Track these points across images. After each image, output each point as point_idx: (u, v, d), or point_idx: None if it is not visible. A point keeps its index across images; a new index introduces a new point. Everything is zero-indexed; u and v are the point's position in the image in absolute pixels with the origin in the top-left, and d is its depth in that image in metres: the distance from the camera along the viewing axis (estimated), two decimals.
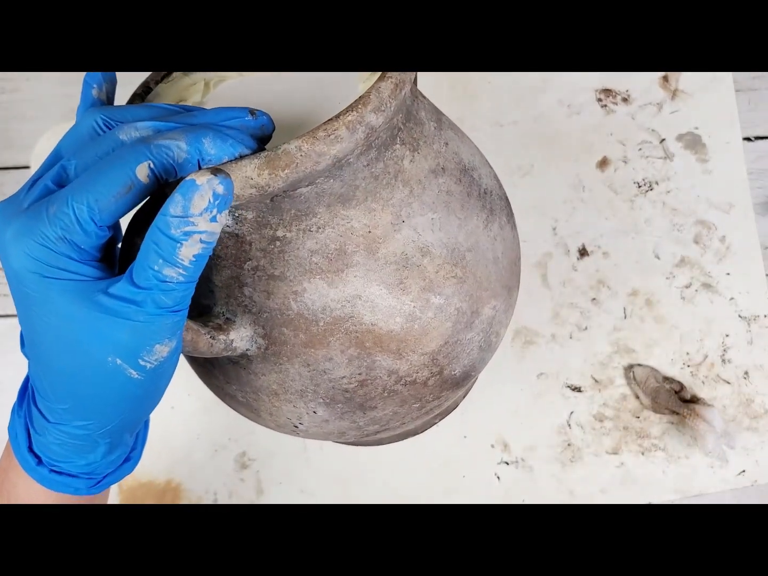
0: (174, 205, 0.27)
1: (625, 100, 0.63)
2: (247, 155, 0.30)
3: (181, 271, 0.28)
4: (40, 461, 0.34)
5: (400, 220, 0.34)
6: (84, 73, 0.36)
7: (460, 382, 0.41)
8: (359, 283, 0.34)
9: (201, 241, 0.27)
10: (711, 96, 0.63)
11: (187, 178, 0.27)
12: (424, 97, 0.39)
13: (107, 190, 0.28)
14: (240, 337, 0.35)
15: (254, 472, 0.60)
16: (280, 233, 0.33)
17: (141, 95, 0.38)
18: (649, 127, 0.63)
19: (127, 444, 0.36)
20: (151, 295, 0.28)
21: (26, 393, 0.35)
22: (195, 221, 0.27)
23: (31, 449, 0.34)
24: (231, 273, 0.34)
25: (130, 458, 0.37)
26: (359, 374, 0.36)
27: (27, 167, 0.64)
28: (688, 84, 0.63)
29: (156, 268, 0.28)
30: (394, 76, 0.32)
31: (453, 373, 0.39)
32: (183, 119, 0.31)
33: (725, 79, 0.63)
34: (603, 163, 0.63)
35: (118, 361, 0.29)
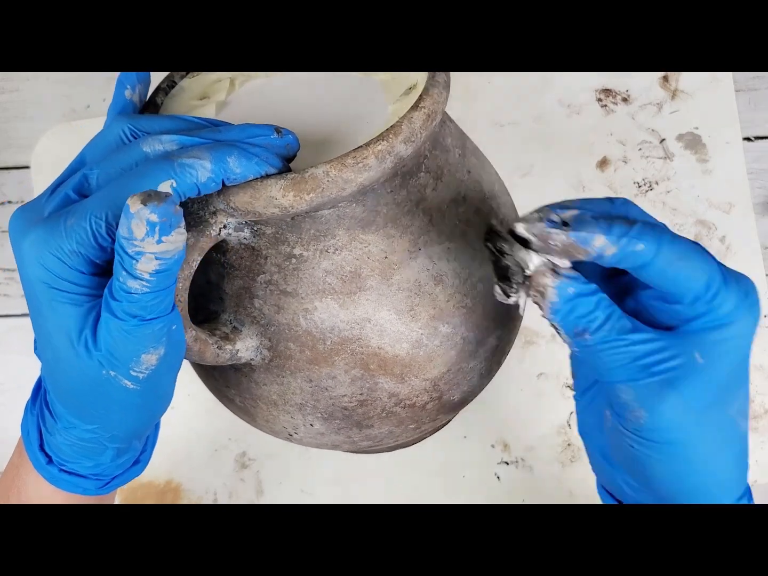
0: (121, 226, 0.26)
1: (625, 100, 0.63)
2: (272, 174, 0.30)
3: (144, 283, 0.27)
4: (50, 460, 0.34)
5: (417, 247, 0.34)
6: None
7: (457, 407, 0.41)
8: (370, 306, 0.34)
9: (156, 258, 0.27)
10: (711, 96, 0.63)
11: (127, 202, 0.26)
12: (451, 120, 0.38)
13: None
14: (245, 348, 0.35)
15: (254, 472, 0.60)
16: (297, 251, 0.33)
17: (165, 89, 0.38)
18: (649, 127, 0.63)
19: (136, 448, 0.36)
20: (122, 307, 0.28)
21: (39, 392, 0.35)
22: (139, 244, 0.26)
23: (42, 448, 0.34)
24: (243, 283, 0.34)
25: (139, 461, 0.37)
26: (360, 394, 0.36)
27: (27, 167, 0.64)
28: (688, 84, 0.63)
29: (121, 279, 0.27)
30: (427, 107, 0.32)
31: (452, 398, 0.39)
32: (208, 135, 0.31)
33: (725, 79, 0.63)
34: (603, 163, 0.63)
35: (112, 373, 0.29)
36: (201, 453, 0.61)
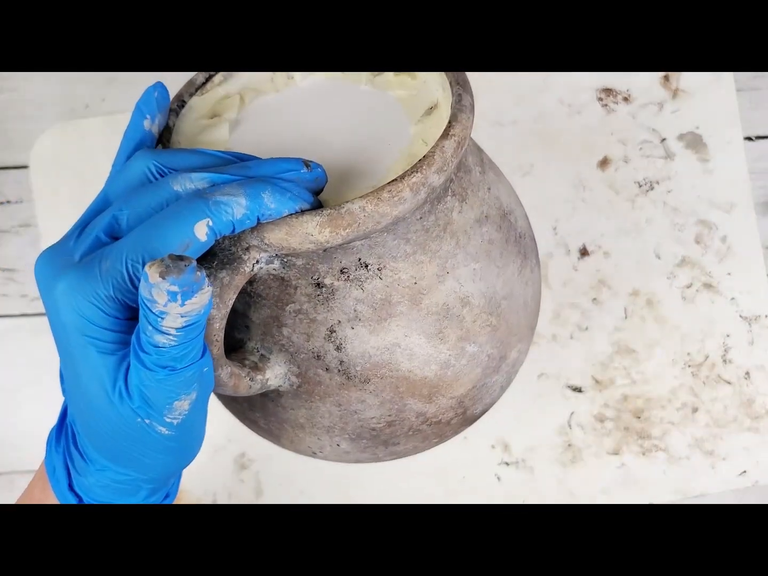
0: (142, 288, 0.26)
1: (626, 99, 0.63)
2: (307, 210, 0.30)
3: (171, 338, 0.27)
4: (81, 501, 0.34)
5: (445, 271, 0.34)
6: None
7: (478, 418, 0.42)
8: (400, 332, 0.34)
9: (181, 316, 0.26)
10: (712, 95, 0.63)
11: (145, 269, 0.25)
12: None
13: (164, 248, 0.28)
14: (274, 375, 0.35)
15: (254, 473, 0.60)
16: (327, 281, 0.33)
17: (176, 110, 0.38)
18: (650, 126, 0.63)
19: (170, 484, 0.36)
20: (151, 359, 0.28)
21: (63, 428, 0.35)
22: (163, 308, 0.26)
23: (71, 488, 0.34)
24: (271, 312, 0.34)
25: (169, 494, 0.37)
26: (389, 416, 0.36)
27: (25, 167, 0.64)
28: (689, 83, 0.63)
29: (148, 334, 0.27)
30: (458, 134, 0.31)
31: (474, 412, 0.40)
32: (239, 171, 0.30)
33: (726, 78, 0.63)
34: (604, 163, 0.63)
35: (147, 421, 0.29)
36: (200, 454, 0.61)
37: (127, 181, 0.31)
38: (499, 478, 0.59)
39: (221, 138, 0.36)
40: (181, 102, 0.38)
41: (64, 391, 0.34)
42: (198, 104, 0.38)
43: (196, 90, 0.38)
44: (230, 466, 0.60)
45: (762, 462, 0.59)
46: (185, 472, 0.60)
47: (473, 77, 0.35)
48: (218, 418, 0.61)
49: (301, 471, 0.60)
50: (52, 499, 0.34)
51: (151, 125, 0.34)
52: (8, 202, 0.64)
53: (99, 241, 0.30)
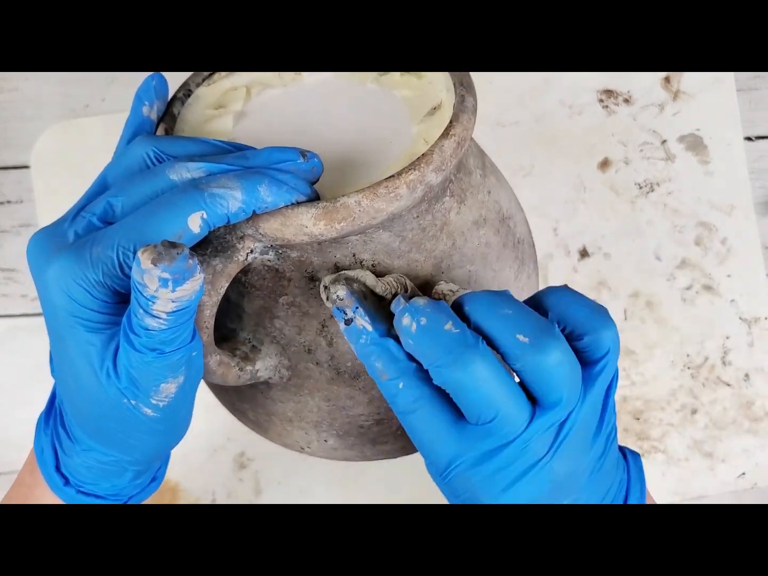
0: (135, 272, 0.26)
1: (626, 101, 0.63)
2: (303, 202, 0.30)
3: (161, 321, 0.27)
4: (67, 482, 0.34)
5: (440, 271, 0.34)
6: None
7: None
8: None
9: (172, 301, 0.27)
10: (713, 98, 0.63)
11: (138, 254, 0.26)
12: (471, 138, 0.39)
13: (156, 238, 0.28)
14: (265, 367, 0.35)
15: (253, 472, 0.60)
16: (321, 275, 0.33)
17: (181, 99, 0.38)
18: (650, 128, 0.63)
19: (155, 468, 0.36)
20: (141, 341, 0.28)
21: (52, 410, 0.35)
22: (154, 293, 0.26)
23: (58, 469, 0.34)
24: (264, 303, 0.34)
25: (155, 478, 0.37)
26: (378, 414, 0.36)
27: (26, 167, 0.64)
28: (690, 85, 0.63)
29: (138, 316, 0.27)
30: (458, 134, 0.31)
31: None
32: (236, 161, 0.30)
33: (727, 80, 0.63)
34: (604, 164, 0.63)
35: (133, 402, 0.29)
36: (199, 453, 0.61)
37: (125, 166, 0.31)
38: None
39: (225, 129, 0.36)
40: (187, 91, 0.38)
41: (52, 372, 0.34)
42: (204, 94, 0.38)
43: (203, 80, 0.39)
44: (229, 465, 0.60)
45: (761, 464, 0.59)
46: (184, 471, 0.60)
47: (474, 77, 0.35)
48: (218, 417, 0.61)
49: (300, 470, 0.60)
50: (40, 482, 0.35)
51: (150, 111, 0.35)
52: (8, 202, 0.64)
53: (92, 226, 0.30)
